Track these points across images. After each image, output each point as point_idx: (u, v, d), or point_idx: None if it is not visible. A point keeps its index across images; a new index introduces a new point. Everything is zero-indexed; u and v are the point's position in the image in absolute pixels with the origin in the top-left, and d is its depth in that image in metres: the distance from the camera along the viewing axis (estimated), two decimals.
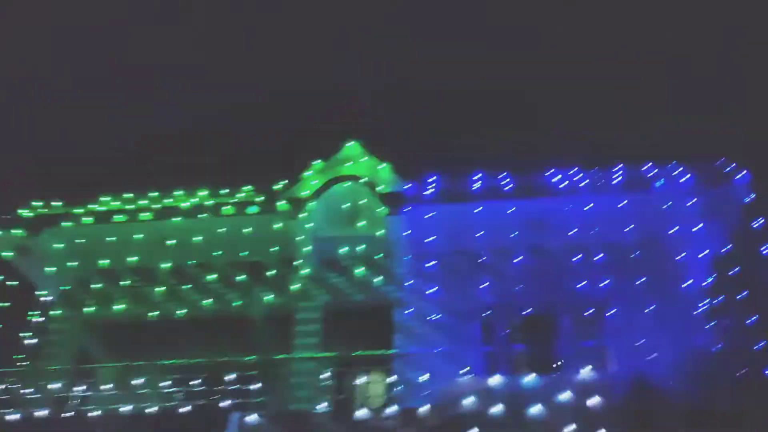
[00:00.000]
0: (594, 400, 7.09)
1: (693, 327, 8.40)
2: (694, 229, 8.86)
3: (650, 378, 7.57)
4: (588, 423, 6.91)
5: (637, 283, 8.91)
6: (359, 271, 9.63)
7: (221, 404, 7.71)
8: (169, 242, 9.73)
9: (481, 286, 9.26)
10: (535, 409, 7.10)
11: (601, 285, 9.02)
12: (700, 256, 8.99)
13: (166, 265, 9.98)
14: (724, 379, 7.23)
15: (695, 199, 8.87)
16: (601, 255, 9.06)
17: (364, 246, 9.67)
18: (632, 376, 7.67)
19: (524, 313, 9.25)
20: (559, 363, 8.69)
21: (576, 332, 9.05)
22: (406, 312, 9.33)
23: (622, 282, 9.04)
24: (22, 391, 8.28)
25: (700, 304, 8.70)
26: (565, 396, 7.17)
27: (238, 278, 9.87)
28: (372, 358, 8.42)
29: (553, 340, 9.05)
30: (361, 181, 9.52)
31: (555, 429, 6.92)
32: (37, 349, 9.30)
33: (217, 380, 8.16)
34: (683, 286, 8.85)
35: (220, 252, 9.76)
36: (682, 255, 9.01)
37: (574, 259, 9.30)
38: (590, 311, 9.01)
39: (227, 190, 9.98)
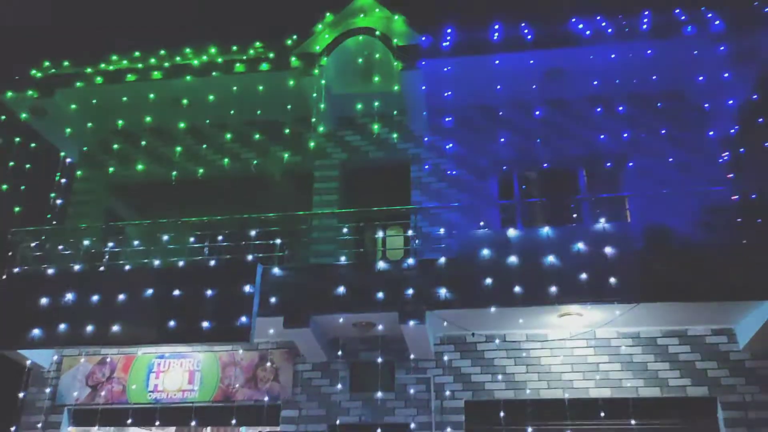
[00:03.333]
0: (610, 251, 7.26)
1: (715, 178, 8.42)
2: (721, 78, 8.61)
3: (669, 229, 7.73)
4: (604, 273, 7.14)
5: (660, 133, 8.83)
6: (376, 128, 9.58)
7: (247, 258, 8.00)
8: (183, 101, 9.68)
9: (499, 141, 9.24)
10: (551, 259, 7.33)
11: (622, 137, 8.96)
12: (725, 104, 8.82)
13: (182, 125, 9.99)
14: (742, 230, 7.37)
15: (724, 47, 8.53)
16: (624, 106, 8.91)
17: (379, 102, 9.54)
18: (650, 227, 7.83)
19: (543, 167, 9.29)
20: (576, 215, 8.85)
21: (595, 185, 9.13)
22: (423, 168, 9.42)
23: (644, 133, 8.97)
24: (56, 248, 8.64)
25: (723, 155, 8.67)
26: (581, 246, 7.35)
27: (254, 137, 9.91)
28: (390, 213, 8.60)
29: (571, 193, 9.16)
30: (375, 34, 9.17)
31: (571, 278, 7.17)
32: (66, 208, 9.60)
33: (241, 236, 8.42)
34: (707, 136, 8.77)
35: (235, 111, 9.71)
36: (708, 104, 8.86)
37: (596, 110, 9.17)
38: (610, 164, 9.04)
39: (238, 47, 9.71)
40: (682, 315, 7.54)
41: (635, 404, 7.57)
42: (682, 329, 7.86)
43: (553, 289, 7.17)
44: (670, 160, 8.66)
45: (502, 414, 7.67)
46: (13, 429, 8.11)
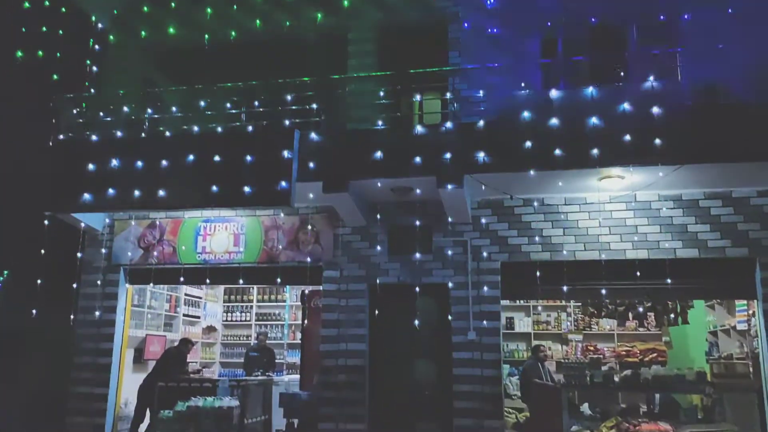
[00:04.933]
0: (657, 110, 6.97)
1: None
2: None
3: (720, 87, 7.34)
4: (649, 134, 6.91)
5: None
6: None
7: (284, 124, 7.99)
8: None
9: None
10: (595, 120, 7.10)
11: None
12: None
13: None
14: None
15: None
16: None
17: None
18: (701, 85, 7.45)
19: (590, 22, 8.73)
20: (623, 74, 8.43)
21: (646, 41, 8.59)
22: (462, 27, 8.98)
23: None
24: (97, 115, 8.74)
25: None
26: (627, 106, 7.08)
27: None
28: (428, 76, 8.34)
29: (619, 51, 8.66)
30: None
31: (615, 140, 6.97)
32: (102, 76, 9.59)
33: (277, 101, 8.34)
34: None
35: None
36: None
37: None
38: (663, 17, 8.43)
39: None
40: (727, 176, 7.36)
41: (672, 265, 7.64)
42: (726, 191, 7.71)
43: (595, 151, 7.01)
44: (729, 11, 8.02)
45: (538, 273, 7.85)
46: (74, 285, 8.69)
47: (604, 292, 7.90)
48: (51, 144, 8.14)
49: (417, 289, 8.11)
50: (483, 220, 8.25)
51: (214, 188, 7.61)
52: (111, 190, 7.81)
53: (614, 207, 7.99)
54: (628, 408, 9.22)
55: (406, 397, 8.12)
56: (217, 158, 7.67)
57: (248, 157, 7.56)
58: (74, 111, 8.63)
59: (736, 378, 8.36)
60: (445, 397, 7.91)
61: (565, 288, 7.77)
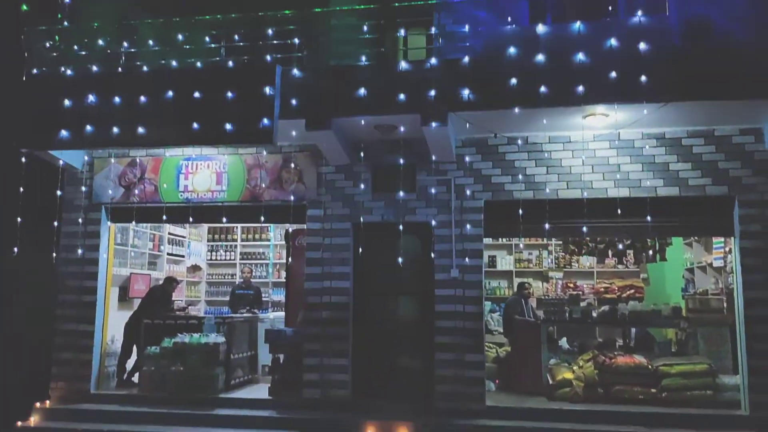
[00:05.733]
0: (644, 47, 6.88)
1: None
2: None
3: (709, 23, 7.24)
4: (635, 71, 6.83)
5: None
6: None
7: (265, 59, 7.79)
8: None
9: None
10: (581, 57, 7.00)
11: None
12: None
13: None
14: None
15: None
16: None
17: None
18: (689, 21, 7.35)
19: None
20: (611, 8, 8.26)
21: None
22: None
23: None
24: (72, 49, 8.44)
25: None
26: (614, 42, 6.97)
27: None
28: (413, 10, 8.13)
29: None
30: None
31: (600, 77, 6.89)
32: (75, 8, 9.20)
33: (258, 36, 8.11)
34: None
35: None
36: None
37: None
38: None
39: None
40: (711, 114, 7.38)
41: (652, 203, 7.72)
42: (708, 129, 7.74)
43: (581, 88, 6.94)
44: None
45: (520, 212, 7.90)
46: (56, 224, 8.62)
47: (585, 230, 7.99)
48: (24, 79, 7.88)
49: (401, 227, 8.15)
50: (467, 159, 8.23)
51: (195, 125, 7.45)
52: (89, 127, 7.61)
53: (597, 145, 7.99)
54: (605, 342, 9.54)
55: (389, 333, 8.28)
56: (197, 95, 7.49)
57: (229, 94, 7.38)
58: (47, 44, 8.33)
59: (711, 313, 8.63)
60: (427, 332, 8.08)
61: (547, 226, 7.85)
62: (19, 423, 8.06)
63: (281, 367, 8.65)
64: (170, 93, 7.56)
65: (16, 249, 7.68)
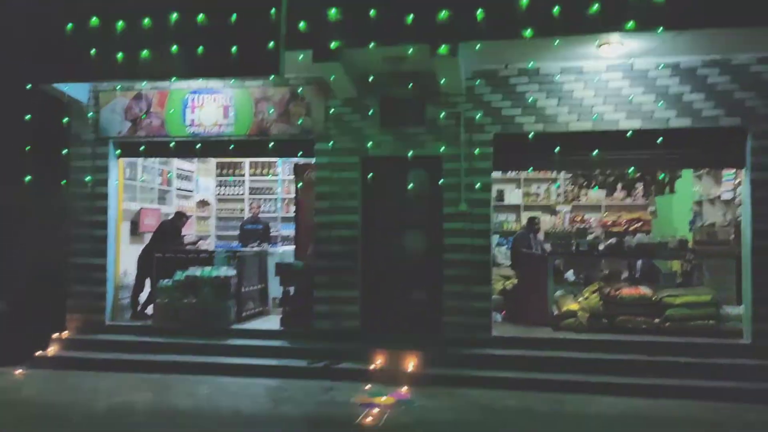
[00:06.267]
0: None
1: None
2: None
3: None
4: None
5: None
6: None
7: None
8: None
9: None
10: None
11: None
12: None
13: None
14: None
15: None
16: None
17: None
18: None
19: None
20: None
21: None
22: None
23: None
24: None
25: None
26: None
27: None
28: None
29: None
30: None
31: (617, 1, 6.66)
32: None
33: None
34: None
35: None
36: None
37: None
38: None
39: None
40: (729, 42, 7.17)
41: (664, 134, 7.62)
42: (725, 58, 7.54)
43: (596, 13, 6.69)
44: None
45: (530, 145, 7.83)
46: (65, 155, 8.65)
47: (595, 162, 7.94)
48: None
49: (409, 160, 8.11)
50: (477, 91, 8.10)
51: (199, 57, 7.32)
52: (91, 58, 7.47)
53: (610, 76, 7.83)
54: (610, 274, 9.65)
55: (397, 266, 8.39)
56: (201, 23, 7.31)
57: (234, 23, 7.21)
58: None
59: (717, 245, 8.65)
60: (435, 265, 8.18)
61: (556, 159, 7.79)
62: (39, 353, 8.32)
63: (291, 300, 8.82)
64: (173, 17, 7.33)
65: (28, 177, 7.70)
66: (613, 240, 9.20)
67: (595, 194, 11.62)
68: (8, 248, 9.02)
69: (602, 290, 8.31)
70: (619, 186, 10.87)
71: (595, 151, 7.85)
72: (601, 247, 9.08)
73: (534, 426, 5.87)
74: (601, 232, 10.77)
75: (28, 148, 7.72)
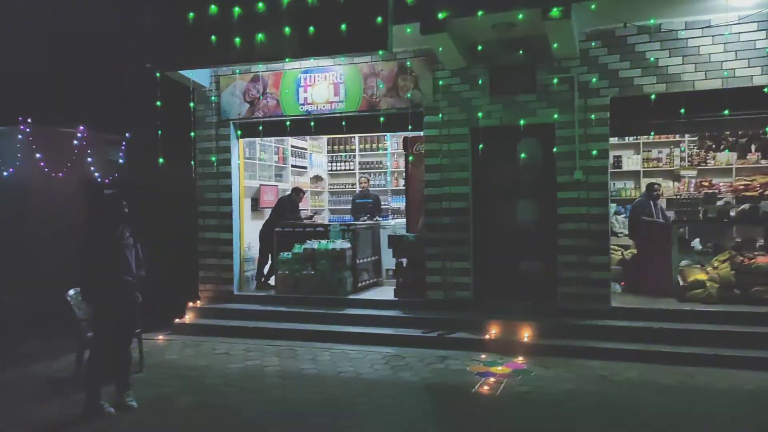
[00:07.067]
0: None
1: None
2: None
3: None
4: None
5: None
6: None
7: None
8: None
9: None
10: None
11: None
12: None
13: None
14: None
15: None
16: None
17: None
18: None
19: None
20: None
21: None
22: None
23: None
24: None
25: None
26: None
27: None
28: None
29: None
30: None
31: None
32: None
33: None
34: None
35: None
36: None
37: None
38: None
39: None
40: None
41: None
42: None
43: None
44: None
45: (651, 107, 7.41)
46: (192, 138, 9.31)
47: (725, 123, 7.38)
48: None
49: (520, 129, 7.94)
50: (592, 53, 7.76)
51: (310, 37, 7.52)
52: (210, 44, 7.88)
53: (742, 28, 7.21)
54: (744, 242, 9.00)
55: (509, 236, 8.30)
56: (311, 3, 7.49)
57: (342, 1, 7.33)
58: None
59: None
60: (549, 235, 8.01)
61: (681, 121, 7.33)
62: (177, 320, 9.07)
63: (404, 271, 8.99)
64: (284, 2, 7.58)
65: (161, 159, 8.34)
66: (746, 206, 8.56)
67: (725, 157, 10.79)
68: (149, 225, 9.84)
69: (734, 259, 7.78)
70: (753, 147, 10.04)
71: (726, 111, 7.30)
72: (732, 213, 8.48)
73: (660, 398, 5.66)
74: (732, 197, 10.02)
75: (159, 132, 8.31)
